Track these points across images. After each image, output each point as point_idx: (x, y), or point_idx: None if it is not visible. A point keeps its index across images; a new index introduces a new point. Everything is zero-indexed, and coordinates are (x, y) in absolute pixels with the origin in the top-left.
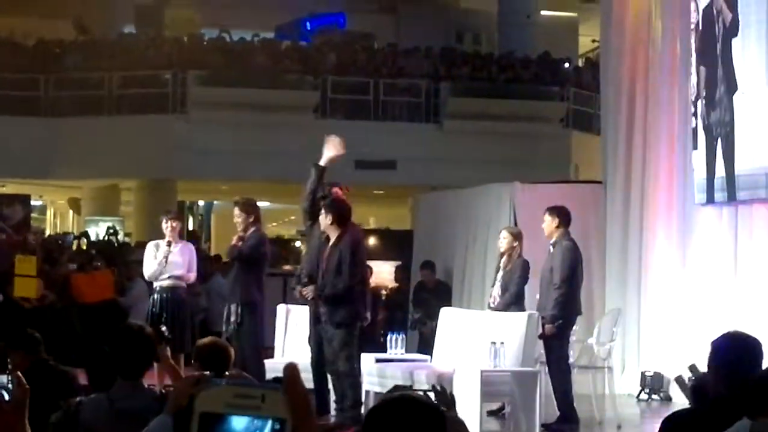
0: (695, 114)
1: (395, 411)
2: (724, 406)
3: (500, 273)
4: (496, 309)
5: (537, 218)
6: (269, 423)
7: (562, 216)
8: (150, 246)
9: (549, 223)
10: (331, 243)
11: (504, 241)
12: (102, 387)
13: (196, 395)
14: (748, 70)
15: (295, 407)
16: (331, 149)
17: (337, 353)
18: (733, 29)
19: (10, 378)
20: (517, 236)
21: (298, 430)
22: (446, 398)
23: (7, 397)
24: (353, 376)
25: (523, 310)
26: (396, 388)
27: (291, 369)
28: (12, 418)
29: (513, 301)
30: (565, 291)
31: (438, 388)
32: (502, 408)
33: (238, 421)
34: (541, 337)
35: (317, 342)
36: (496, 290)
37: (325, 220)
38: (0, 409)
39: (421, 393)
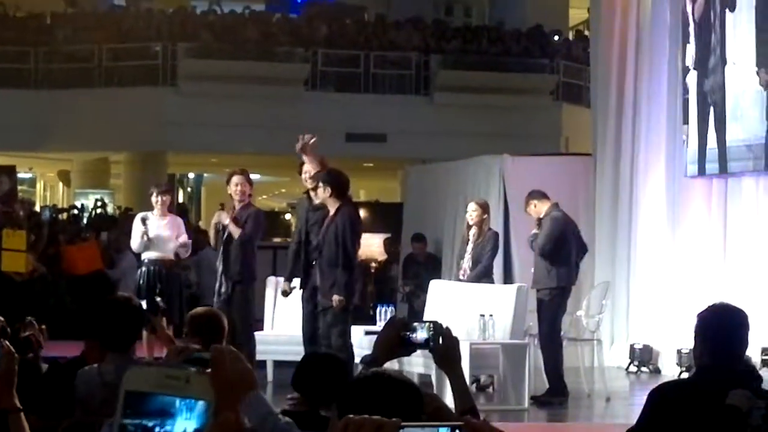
0: (686, 86)
1: (370, 389)
2: (710, 376)
3: (470, 245)
4: (467, 281)
5: (527, 190)
6: (200, 403)
7: (543, 194)
8: (137, 218)
9: (535, 206)
10: (330, 214)
11: (474, 213)
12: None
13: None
14: (739, 43)
15: (219, 389)
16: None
17: (330, 327)
18: (731, 2)
19: None
20: (485, 208)
21: (222, 412)
22: (442, 331)
23: None
24: (345, 351)
25: (492, 282)
26: (363, 359)
27: (217, 351)
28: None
29: (484, 274)
30: (550, 261)
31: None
32: (491, 384)
33: (165, 402)
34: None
35: (310, 318)
36: (467, 263)
37: (323, 192)
38: None
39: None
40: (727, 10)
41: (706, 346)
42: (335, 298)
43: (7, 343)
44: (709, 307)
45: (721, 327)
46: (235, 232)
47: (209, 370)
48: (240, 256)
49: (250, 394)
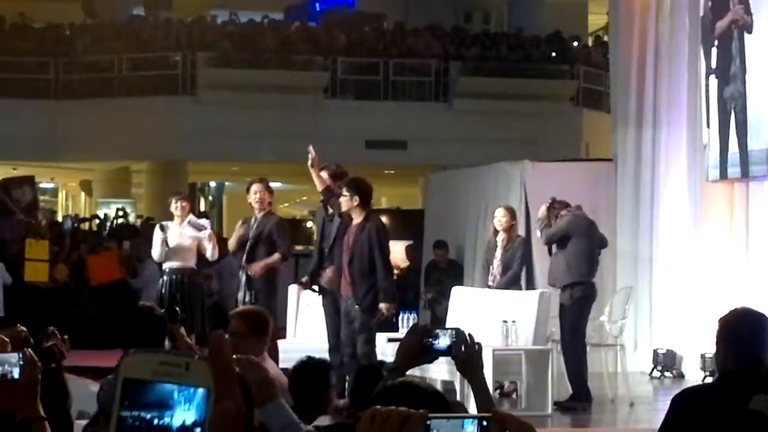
0: (707, 90)
1: (397, 398)
2: (733, 381)
3: (499, 251)
4: (497, 288)
5: (547, 197)
6: (199, 392)
7: (559, 204)
8: (156, 228)
9: (550, 216)
10: (355, 223)
11: (503, 219)
12: None
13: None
14: (759, 51)
15: (220, 377)
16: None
17: (357, 334)
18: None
19: (20, 356)
20: (513, 214)
21: (222, 400)
22: (463, 338)
23: (17, 375)
24: (370, 359)
25: (520, 288)
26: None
27: (217, 337)
28: (23, 396)
29: (513, 281)
30: (565, 255)
31: (457, 330)
32: (514, 390)
33: (165, 390)
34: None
35: (333, 325)
36: (497, 269)
37: (350, 201)
38: (11, 386)
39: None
40: (745, 32)
41: (729, 351)
42: (383, 306)
43: (30, 351)
44: (731, 311)
45: (744, 331)
46: (276, 262)
47: (208, 355)
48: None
49: (273, 402)
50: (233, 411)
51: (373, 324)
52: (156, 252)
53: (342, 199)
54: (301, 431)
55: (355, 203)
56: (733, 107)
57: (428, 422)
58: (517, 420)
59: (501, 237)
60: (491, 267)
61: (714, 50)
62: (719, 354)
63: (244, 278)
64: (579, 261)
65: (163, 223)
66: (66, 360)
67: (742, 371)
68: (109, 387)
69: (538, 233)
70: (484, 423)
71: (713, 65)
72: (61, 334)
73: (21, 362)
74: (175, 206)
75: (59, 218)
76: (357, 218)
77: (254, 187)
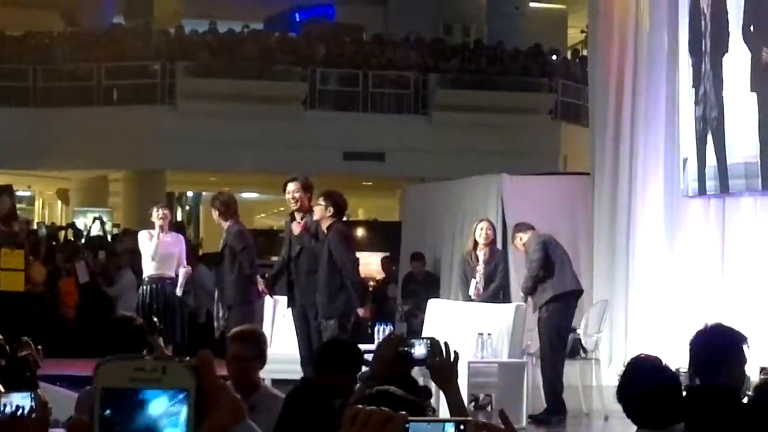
0: (683, 104)
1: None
2: (697, 396)
3: (480, 266)
4: (481, 301)
5: (525, 210)
6: (184, 408)
7: (529, 226)
8: (143, 235)
9: (521, 239)
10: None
11: (489, 232)
12: None
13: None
14: (735, 62)
15: (209, 394)
16: None
17: None
18: (720, 28)
19: (32, 395)
20: (494, 228)
21: (213, 415)
22: (438, 347)
23: (26, 412)
24: None
25: (505, 301)
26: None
27: (204, 356)
28: None
29: (497, 294)
30: (531, 281)
31: (432, 339)
32: (489, 403)
33: (157, 403)
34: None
35: (305, 338)
36: (480, 282)
37: (324, 211)
38: (20, 424)
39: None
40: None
41: (698, 366)
42: (360, 311)
43: (41, 393)
44: (703, 327)
45: (713, 347)
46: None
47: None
48: (234, 280)
49: (243, 423)
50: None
51: (345, 334)
52: (151, 251)
53: (316, 208)
54: None
55: (329, 214)
56: (711, 121)
57: (407, 425)
58: (496, 427)
59: (483, 251)
60: (474, 280)
61: (689, 60)
62: (690, 369)
63: (216, 294)
64: (551, 278)
65: (148, 231)
66: (41, 369)
67: (705, 386)
68: (86, 396)
69: (521, 295)
70: (461, 427)
71: (690, 77)
72: (35, 344)
73: (32, 402)
74: (157, 214)
75: (34, 226)
76: (323, 227)
77: (288, 187)
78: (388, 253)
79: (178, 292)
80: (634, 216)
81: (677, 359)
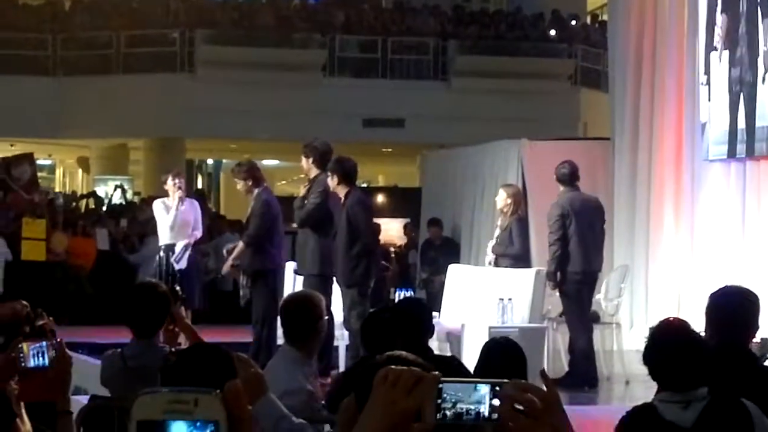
0: (708, 67)
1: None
2: (719, 360)
3: (497, 230)
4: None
5: (544, 175)
6: (209, 427)
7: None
8: (158, 204)
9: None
10: (341, 202)
11: (498, 199)
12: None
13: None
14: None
15: (237, 424)
16: None
17: (349, 310)
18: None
19: (47, 344)
20: (511, 194)
21: None
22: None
23: (47, 363)
24: None
25: (528, 266)
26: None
27: (232, 387)
28: (53, 386)
29: (515, 258)
30: (555, 248)
31: None
32: None
33: (178, 428)
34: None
35: None
36: (493, 242)
37: (331, 181)
38: (40, 376)
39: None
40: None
41: (714, 327)
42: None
43: (63, 343)
44: (719, 288)
45: (730, 308)
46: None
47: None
48: (252, 248)
49: (262, 398)
50: None
51: (364, 299)
52: (169, 221)
53: (327, 180)
54: (293, 423)
55: (335, 182)
56: (739, 90)
57: (440, 386)
58: (537, 387)
59: (500, 217)
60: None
61: (721, 23)
62: (706, 330)
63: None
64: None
65: (165, 200)
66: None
67: (725, 346)
68: (108, 362)
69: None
70: (497, 388)
71: (721, 41)
72: (54, 313)
73: (52, 351)
74: (172, 183)
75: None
76: (341, 197)
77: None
78: (409, 220)
79: (177, 265)
80: (654, 181)
81: (698, 323)
